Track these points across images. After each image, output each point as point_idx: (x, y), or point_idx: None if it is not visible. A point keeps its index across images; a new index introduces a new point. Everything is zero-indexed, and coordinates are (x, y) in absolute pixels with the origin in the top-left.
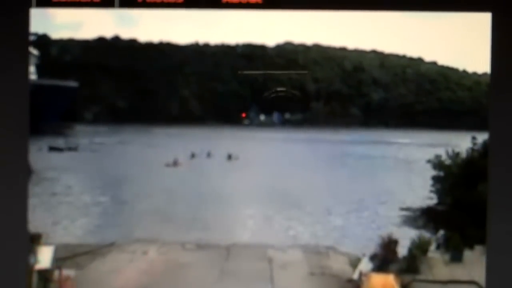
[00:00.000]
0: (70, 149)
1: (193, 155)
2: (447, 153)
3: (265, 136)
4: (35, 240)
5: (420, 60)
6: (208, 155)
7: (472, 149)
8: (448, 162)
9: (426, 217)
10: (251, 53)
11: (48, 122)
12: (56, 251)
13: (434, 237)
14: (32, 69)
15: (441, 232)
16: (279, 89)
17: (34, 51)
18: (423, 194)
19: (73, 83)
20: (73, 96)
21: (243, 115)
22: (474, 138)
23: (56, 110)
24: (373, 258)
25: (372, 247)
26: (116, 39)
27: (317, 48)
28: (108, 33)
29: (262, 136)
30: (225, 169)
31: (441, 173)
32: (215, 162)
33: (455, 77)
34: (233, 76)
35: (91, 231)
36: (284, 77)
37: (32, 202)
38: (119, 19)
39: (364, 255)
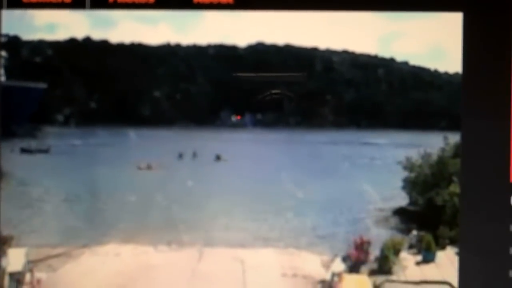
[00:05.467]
0: (40, 151)
1: (180, 155)
2: (419, 153)
3: (239, 138)
4: (6, 242)
5: (391, 60)
6: (194, 155)
7: (444, 149)
8: (419, 162)
9: (398, 218)
10: (223, 54)
11: (18, 123)
12: (28, 254)
13: (406, 238)
14: (1, 71)
15: (414, 233)
16: (273, 91)
17: (3, 52)
18: (395, 195)
19: (41, 85)
20: (42, 98)
21: (238, 117)
22: (446, 138)
23: (24, 111)
24: (345, 259)
25: (345, 248)
26: (88, 40)
27: (288, 48)
28: (81, 34)
29: (236, 137)
30: (207, 171)
31: (413, 174)
32: (199, 164)
33: (426, 77)
34: (205, 77)
35: (63, 233)
36: (258, 79)
37: (3, 204)
38: (95, 20)
39: (336, 255)
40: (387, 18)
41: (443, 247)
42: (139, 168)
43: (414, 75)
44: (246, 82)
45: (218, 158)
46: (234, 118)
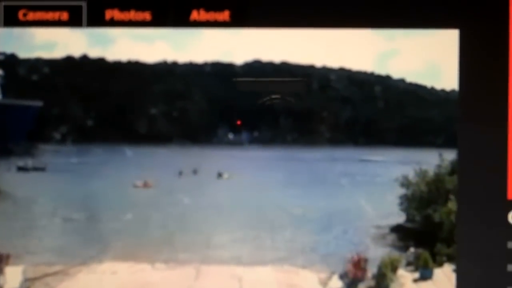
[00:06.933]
0: (36, 169)
1: (180, 173)
2: (415, 170)
3: (236, 155)
4: (3, 260)
5: (388, 78)
6: (194, 172)
7: (440, 166)
8: (415, 179)
9: (395, 235)
10: (220, 72)
11: (15, 142)
12: (25, 272)
13: (403, 255)
14: None
15: (411, 250)
16: (273, 96)
17: None
18: (392, 212)
19: (37, 103)
20: (38, 116)
21: (238, 122)
22: (441, 155)
23: (21, 130)
24: (343, 276)
25: (342, 265)
26: (84, 58)
27: (285, 66)
28: (78, 53)
29: (233, 154)
30: (207, 189)
31: (409, 191)
32: (199, 181)
33: (423, 94)
34: (201, 95)
35: (60, 251)
36: (257, 85)
37: (0, 222)
38: (93, 39)
39: (333, 273)
40: (384, 36)
41: (440, 264)
42: (135, 186)
43: (411, 92)
44: (246, 97)
45: (220, 175)
46: (232, 135)
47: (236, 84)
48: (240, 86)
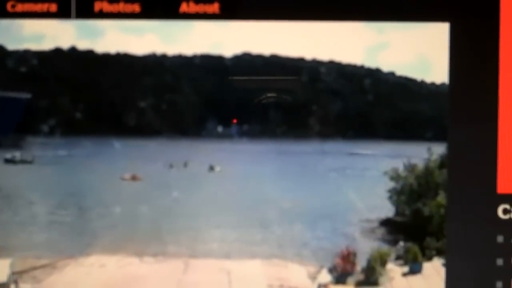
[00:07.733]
0: (24, 162)
1: (171, 165)
2: (404, 164)
3: (225, 148)
4: None
5: (378, 71)
6: (185, 165)
7: (429, 160)
8: (404, 173)
9: (385, 229)
10: (209, 64)
11: (2, 134)
12: (13, 265)
13: (393, 249)
14: None
15: (400, 244)
16: (269, 94)
17: None
18: (382, 205)
19: (25, 95)
20: (26, 108)
21: (234, 120)
22: (429, 149)
23: (9, 122)
24: (332, 270)
25: (331, 259)
26: (73, 50)
27: (274, 58)
28: (67, 44)
29: (222, 148)
30: (196, 182)
31: (399, 184)
32: (189, 174)
33: (413, 87)
34: (191, 88)
35: (48, 244)
36: (252, 83)
37: None
38: (82, 31)
39: (322, 267)
40: (374, 29)
41: (429, 258)
42: (123, 179)
43: (401, 85)
44: (236, 90)
45: (211, 168)
46: (221, 128)
47: (230, 82)
48: (234, 84)
